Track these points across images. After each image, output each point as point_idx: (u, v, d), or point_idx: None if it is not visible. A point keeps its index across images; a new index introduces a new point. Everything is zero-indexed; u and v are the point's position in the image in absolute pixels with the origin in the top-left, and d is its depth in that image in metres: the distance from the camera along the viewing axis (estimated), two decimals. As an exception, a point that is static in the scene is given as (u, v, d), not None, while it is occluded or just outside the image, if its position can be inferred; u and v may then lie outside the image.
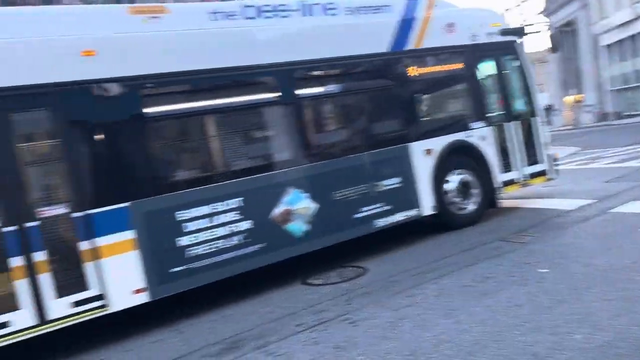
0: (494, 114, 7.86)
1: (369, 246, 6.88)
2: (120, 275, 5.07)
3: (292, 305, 5.23)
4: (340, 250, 6.53)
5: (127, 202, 5.16)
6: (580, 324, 3.62)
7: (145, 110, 5.38)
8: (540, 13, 37.52)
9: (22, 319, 4.66)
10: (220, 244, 5.60)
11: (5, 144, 4.72)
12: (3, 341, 4.56)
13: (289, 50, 6.25)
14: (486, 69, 7.95)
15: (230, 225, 5.66)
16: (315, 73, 6.54)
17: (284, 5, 6.41)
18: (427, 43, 7.30)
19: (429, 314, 4.34)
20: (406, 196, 6.85)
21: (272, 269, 6.00)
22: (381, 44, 6.93)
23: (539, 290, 4.43)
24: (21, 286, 4.68)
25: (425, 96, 7.40)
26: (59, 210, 4.93)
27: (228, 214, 5.66)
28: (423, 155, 7.03)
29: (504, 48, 8.03)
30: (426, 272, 5.52)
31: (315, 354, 3.97)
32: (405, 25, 7.15)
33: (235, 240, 5.68)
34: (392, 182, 6.74)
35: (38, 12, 5.20)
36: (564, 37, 34.06)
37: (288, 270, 6.31)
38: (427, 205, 7.02)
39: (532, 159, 8.10)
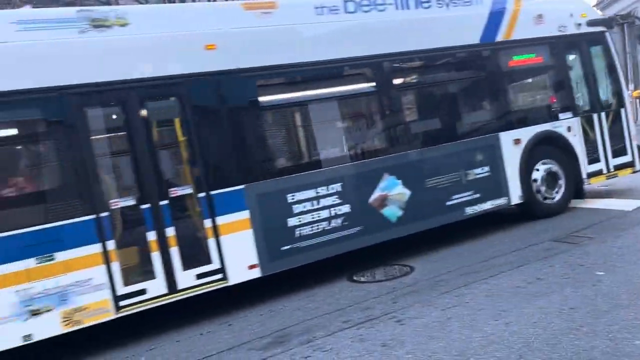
0: (582, 104, 7.87)
1: (415, 245, 6.77)
2: (236, 252, 5.50)
3: (338, 302, 5.24)
4: (386, 248, 6.48)
5: (243, 184, 5.58)
6: (641, 330, 3.45)
7: (259, 99, 5.77)
8: (594, 6, 36.06)
9: (156, 288, 5.17)
10: (324, 225, 5.95)
11: (143, 130, 5.22)
12: (141, 306, 5.09)
13: (386, 42, 6.51)
14: (574, 59, 7.96)
15: (332, 208, 6.00)
16: (411, 64, 6.79)
17: (380, -1, 6.67)
18: (517, 34, 7.38)
19: (478, 314, 4.24)
20: (495, 185, 7.00)
21: (318, 266, 6.00)
22: (473, 36, 7.09)
23: (595, 293, 4.26)
24: (155, 258, 5.18)
25: (514, 87, 7.51)
26: (186, 190, 5.41)
27: (330, 198, 6.00)
28: (512, 145, 7.15)
29: (592, 39, 8.00)
30: (475, 272, 5.42)
31: (362, 350, 3.95)
32: (496, 17, 7.27)
33: (336, 222, 6.02)
34: (482, 171, 6.91)
35: (167, 9, 5.65)
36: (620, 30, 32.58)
37: (334, 267, 6.30)
38: (515, 194, 7.15)
39: (619, 150, 8.06)
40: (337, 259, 6.06)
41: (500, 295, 4.61)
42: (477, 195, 6.86)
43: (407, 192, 6.42)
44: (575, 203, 7.79)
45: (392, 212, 6.34)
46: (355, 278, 6.02)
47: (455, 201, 6.72)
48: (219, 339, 4.81)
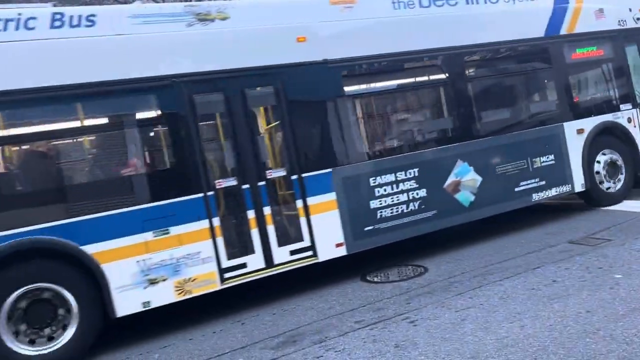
0: (641, 96, 8.09)
1: (429, 245, 6.78)
2: (324, 231, 5.87)
3: (351, 302, 5.23)
4: (400, 248, 6.49)
5: (330, 168, 5.95)
6: (659, 334, 3.38)
7: (344, 89, 6.14)
8: None
9: (255, 262, 5.56)
10: (402, 208, 6.29)
11: (242, 116, 5.63)
12: (243, 279, 5.48)
13: (458, 35, 6.83)
14: (633, 52, 8.17)
15: (410, 192, 6.34)
16: (481, 56, 7.10)
17: (451, -6, 7.00)
18: (579, 28, 7.65)
19: (493, 316, 4.18)
20: (560, 173, 7.27)
21: (331, 266, 6.01)
22: (538, 30, 7.37)
23: (613, 296, 4.17)
24: (254, 234, 5.58)
25: (577, 78, 7.77)
26: (280, 173, 5.80)
27: (408, 182, 6.34)
28: (575, 135, 7.41)
29: (651, 32, 8.22)
30: (489, 274, 5.36)
31: (374, 351, 3.93)
32: (559, 12, 7.55)
33: (414, 205, 6.35)
34: (548, 159, 7.18)
35: (262, 3, 6.04)
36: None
37: (347, 267, 6.31)
38: (578, 182, 7.41)
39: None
40: (350, 258, 6.05)
41: (515, 297, 4.53)
42: (543, 183, 7.14)
43: (478, 179, 6.72)
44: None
45: (465, 197, 6.65)
46: (368, 278, 5.99)
47: (522, 187, 7.01)
48: (231, 338, 4.81)
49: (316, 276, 6.10)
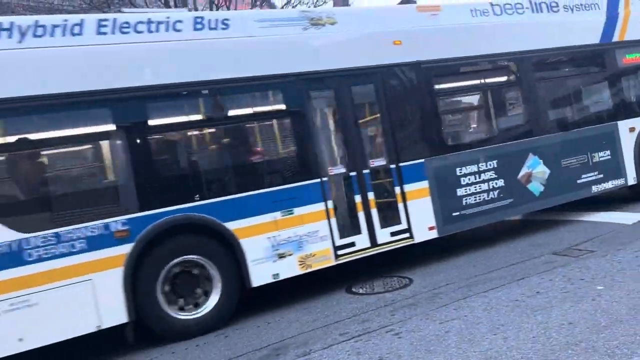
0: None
1: (414, 257, 6.82)
2: (419, 215, 6.50)
3: (336, 314, 5.22)
4: (385, 259, 6.59)
5: (423, 158, 6.60)
6: (640, 345, 3.37)
7: (434, 87, 6.82)
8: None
9: (362, 241, 6.19)
10: (484, 196, 6.95)
11: (349, 111, 6.28)
12: (352, 256, 6.09)
13: (526, 40, 7.54)
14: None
15: (490, 182, 7.00)
16: (547, 60, 7.81)
17: (519, 4, 7.71)
18: (629, 35, 8.40)
19: (476, 328, 4.16)
20: (615, 167, 7.96)
21: (317, 277, 6.03)
22: (594, 37, 8.10)
23: (595, 308, 4.16)
24: (360, 217, 6.20)
25: (628, 81, 8.49)
26: (381, 162, 6.45)
27: (488, 173, 7.00)
28: (627, 132, 8.12)
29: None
30: (473, 285, 5.36)
31: None
32: (611, 21, 8.29)
33: (493, 194, 7.01)
34: (605, 154, 7.88)
35: (364, 10, 6.73)
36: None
37: (333, 278, 6.36)
38: (630, 176, 8.10)
39: None
40: (335, 269, 6.10)
41: (499, 309, 4.52)
42: (601, 176, 7.83)
43: (547, 171, 7.40)
44: (576, 216, 7.94)
45: (535, 187, 7.32)
46: (354, 289, 6.00)
47: (584, 180, 7.70)
48: (215, 351, 4.80)
49: (301, 288, 6.13)
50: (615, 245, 6.00)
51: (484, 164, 6.97)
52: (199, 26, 5.62)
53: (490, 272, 5.78)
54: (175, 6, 12.26)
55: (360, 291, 5.92)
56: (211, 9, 12.56)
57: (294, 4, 14.27)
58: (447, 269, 6.24)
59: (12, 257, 4.55)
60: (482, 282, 5.45)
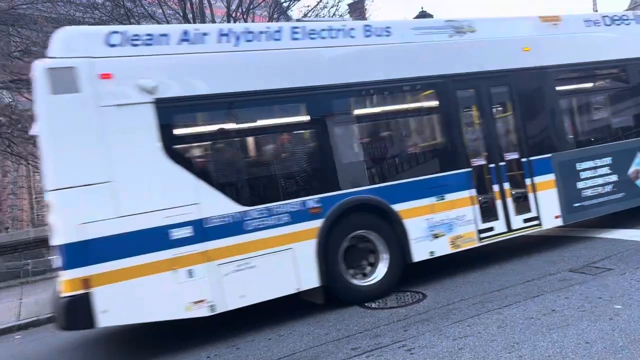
0: None
1: (428, 272, 6.73)
2: (547, 204, 7.18)
3: (348, 328, 5.15)
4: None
5: (549, 154, 7.30)
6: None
7: (557, 89, 7.50)
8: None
9: (499, 226, 6.90)
10: (599, 190, 7.59)
11: (488, 110, 7.03)
12: (492, 239, 6.80)
13: (633, 48, 8.16)
14: None
15: (605, 177, 7.65)
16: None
17: (625, 15, 8.36)
18: None
19: (490, 345, 4.10)
20: None
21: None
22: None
23: (612, 327, 4.08)
24: (498, 204, 6.92)
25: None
26: (514, 156, 7.16)
27: (603, 168, 7.65)
28: None
29: None
30: (488, 301, 5.27)
31: None
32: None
33: (607, 188, 7.66)
34: None
35: (498, 20, 7.50)
36: None
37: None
38: None
39: None
40: None
41: (514, 326, 4.44)
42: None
43: (655, 169, 8.02)
44: (593, 232, 7.79)
45: (643, 183, 7.96)
46: (366, 304, 5.93)
47: (688, 178, 8.28)
48: None
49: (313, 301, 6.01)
50: (633, 263, 5.92)
51: (600, 160, 7.62)
52: (367, 33, 6.46)
53: (505, 289, 5.69)
54: (194, 21, 12.42)
55: (373, 305, 5.88)
56: (229, 22, 12.37)
57: (310, 16, 14.41)
58: (461, 285, 6.16)
59: (237, 226, 5.41)
60: (496, 298, 5.36)
